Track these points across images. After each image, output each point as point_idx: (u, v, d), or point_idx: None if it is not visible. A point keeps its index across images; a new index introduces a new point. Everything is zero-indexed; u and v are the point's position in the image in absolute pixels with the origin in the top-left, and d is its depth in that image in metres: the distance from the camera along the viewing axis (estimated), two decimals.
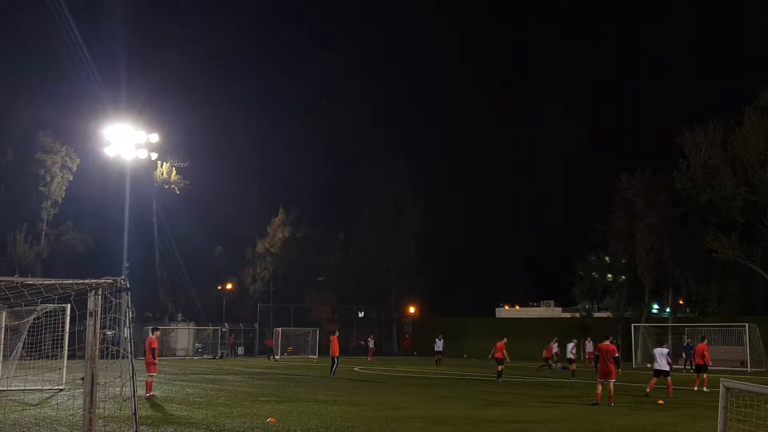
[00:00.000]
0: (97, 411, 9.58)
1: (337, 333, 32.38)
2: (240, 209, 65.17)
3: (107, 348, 10.84)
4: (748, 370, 38.31)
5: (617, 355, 19.60)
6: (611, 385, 18.81)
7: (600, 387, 18.94)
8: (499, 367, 29.39)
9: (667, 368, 22.55)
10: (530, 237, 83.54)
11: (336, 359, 30.13)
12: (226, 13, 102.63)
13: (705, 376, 25.21)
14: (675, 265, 47.75)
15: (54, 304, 17.72)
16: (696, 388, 24.92)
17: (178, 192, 58.39)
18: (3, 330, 20.53)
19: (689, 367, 35.93)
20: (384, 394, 21.87)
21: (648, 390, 22.05)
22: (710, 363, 26.44)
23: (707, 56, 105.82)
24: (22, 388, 19.10)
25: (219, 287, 66.19)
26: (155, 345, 20.53)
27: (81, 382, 19.66)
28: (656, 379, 22.59)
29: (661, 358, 22.66)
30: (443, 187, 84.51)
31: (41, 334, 21.36)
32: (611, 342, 20.01)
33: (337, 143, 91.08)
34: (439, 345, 45.02)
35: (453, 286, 75.12)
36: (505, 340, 30.64)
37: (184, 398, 19.44)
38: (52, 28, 74.55)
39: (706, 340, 28.28)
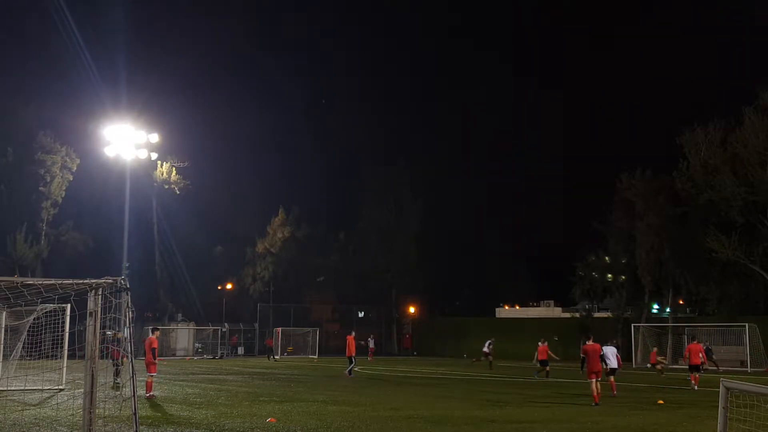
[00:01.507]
0: (97, 411, 9.58)
1: (354, 333, 32.53)
2: (240, 209, 65.19)
3: (107, 348, 10.83)
4: (748, 370, 38.31)
5: (602, 353, 19.96)
6: (611, 379, 18.99)
7: (594, 386, 19.04)
8: (547, 368, 32.05)
9: (616, 366, 23.10)
10: (530, 237, 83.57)
11: (352, 359, 30.25)
12: (226, 13, 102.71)
13: (698, 375, 25.94)
14: (675, 265, 47.72)
15: (54, 304, 17.71)
16: (696, 387, 25.31)
17: (178, 192, 58.38)
18: (3, 330, 20.54)
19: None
20: (384, 394, 21.87)
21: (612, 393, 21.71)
22: (705, 363, 26.94)
23: (707, 56, 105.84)
24: (22, 388, 19.10)
25: (219, 287, 66.19)
26: (155, 345, 20.54)
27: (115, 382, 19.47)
28: (611, 379, 22.81)
29: (612, 356, 23.11)
30: (443, 187, 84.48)
31: (41, 334, 21.36)
32: (594, 341, 20.21)
33: (337, 143, 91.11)
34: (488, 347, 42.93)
35: (453, 286, 75.12)
36: (546, 342, 33.14)
37: (184, 398, 19.44)
38: (52, 28, 74.67)
39: (696, 340, 28.78)
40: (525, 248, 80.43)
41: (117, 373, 23.00)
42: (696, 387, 25.34)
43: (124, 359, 22.53)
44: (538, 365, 32.62)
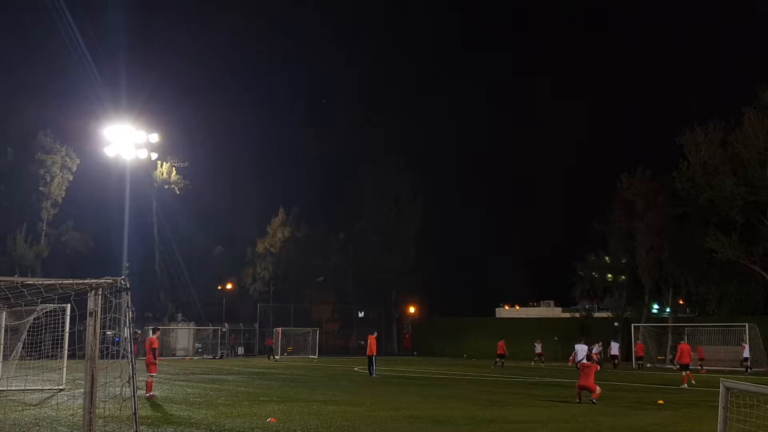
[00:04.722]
0: (97, 411, 9.58)
1: (376, 333, 32.64)
2: (240, 209, 65.28)
3: (107, 348, 10.84)
4: (748, 370, 38.31)
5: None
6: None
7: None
8: (503, 360, 37.63)
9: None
10: (530, 237, 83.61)
11: (372, 359, 30.33)
12: (226, 13, 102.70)
13: (689, 373, 26.61)
14: (675, 265, 47.72)
15: (54, 304, 17.70)
16: (685, 386, 25.77)
17: (178, 192, 58.39)
18: (3, 330, 20.52)
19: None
20: (384, 394, 21.86)
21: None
22: (690, 362, 27.89)
23: (707, 56, 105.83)
24: (22, 388, 19.09)
25: (219, 287, 66.19)
26: (156, 345, 20.51)
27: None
28: None
29: (582, 353, 25.65)
30: (443, 187, 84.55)
31: (41, 334, 21.35)
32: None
33: (337, 143, 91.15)
34: (614, 348, 42.12)
35: (453, 286, 75.14)
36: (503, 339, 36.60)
37: (184, 398, 19.43)
38: (52, 28, 74.60)
39: (684, 340, 30.21)
40: (525, 248, 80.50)
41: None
42: (693, 383, 25.68)
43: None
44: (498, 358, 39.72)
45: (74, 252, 53.89)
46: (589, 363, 20.32)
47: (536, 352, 44.52)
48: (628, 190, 49.93)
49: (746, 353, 37.76)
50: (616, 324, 45.32)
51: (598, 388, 19.13)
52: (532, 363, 43.66)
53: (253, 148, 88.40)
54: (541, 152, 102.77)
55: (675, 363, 29.03)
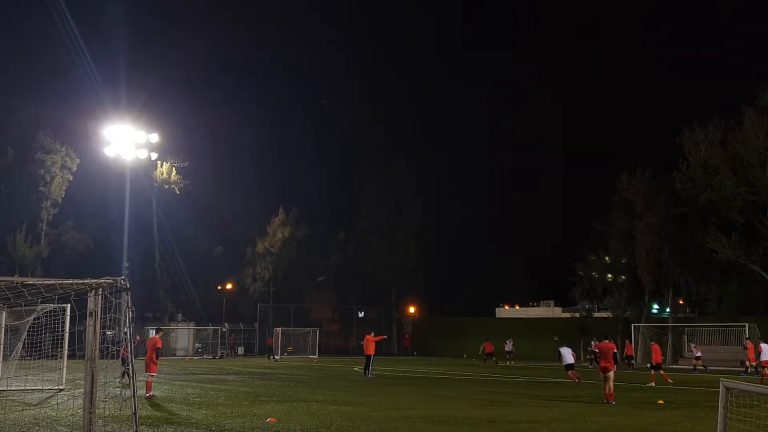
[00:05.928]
0: (97, 411, 9.57)
1: (373, 333, 32.59)
2: (240, 209, 65.22)
3: (107, 348, 10.83)
4: (748, 369, 38.27)
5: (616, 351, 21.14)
6: (570, 372, 19.80)
7: (605, 384, 19.92)
8: (494, 358, 39.68)
9: (573, 361, 27.51)
10: (530, 237, 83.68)
11: (369, 358, 30.28)
12: (226, 13, 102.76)
13: (662, 372, 28.04)
14: (675, 265, 47.71)
15: (54, 304, 17.69)
16: (652, 384, 26.53)
17: (178, 192, 58.34)
18: (3, 330, 20.51)
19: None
20: (384, 394, 21.85)
21: (577, 381, 26.09)
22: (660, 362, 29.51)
23: (707, 56, 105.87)
24: (22, 388, 19.09)
25: (219, 287, 66.17)
26: (159, 345, 20.47)
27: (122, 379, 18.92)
28: (571, 372, 26.96)
29: (568, 354, 27.45)
30: (443, 187, 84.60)
31: (41, 334, 21.34)
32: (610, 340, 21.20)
33: (337, 143, 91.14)
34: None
35: (453, 286, 75.15)
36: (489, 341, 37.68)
37: (184, 398, 19.43)
38: (52, 28, 74.68)
39: (653, 341, 32.44)
40: (525, 248, 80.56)
41: (124, 374, 22.94)
42: (653, 384, 26.05)
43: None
44: (486, 357, 42.99)
45: (74, 252, 53.87)
46: (604, 342, 20.48)
47: (506, 349, 45.01)
48: (628, 190, 49.92)
49: (698, 353, 37.93)
50: (633, 344, 45.94)
51: (614, 368, 19.51)
52: (508, 362, 44.17)
53: (253, 148, 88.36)
54: (541, 152, 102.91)
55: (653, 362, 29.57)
